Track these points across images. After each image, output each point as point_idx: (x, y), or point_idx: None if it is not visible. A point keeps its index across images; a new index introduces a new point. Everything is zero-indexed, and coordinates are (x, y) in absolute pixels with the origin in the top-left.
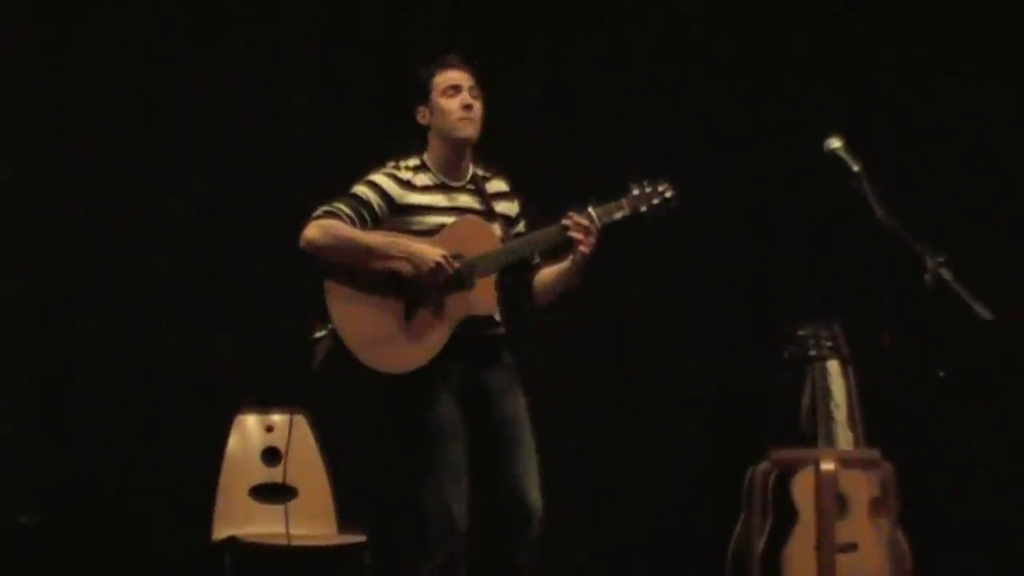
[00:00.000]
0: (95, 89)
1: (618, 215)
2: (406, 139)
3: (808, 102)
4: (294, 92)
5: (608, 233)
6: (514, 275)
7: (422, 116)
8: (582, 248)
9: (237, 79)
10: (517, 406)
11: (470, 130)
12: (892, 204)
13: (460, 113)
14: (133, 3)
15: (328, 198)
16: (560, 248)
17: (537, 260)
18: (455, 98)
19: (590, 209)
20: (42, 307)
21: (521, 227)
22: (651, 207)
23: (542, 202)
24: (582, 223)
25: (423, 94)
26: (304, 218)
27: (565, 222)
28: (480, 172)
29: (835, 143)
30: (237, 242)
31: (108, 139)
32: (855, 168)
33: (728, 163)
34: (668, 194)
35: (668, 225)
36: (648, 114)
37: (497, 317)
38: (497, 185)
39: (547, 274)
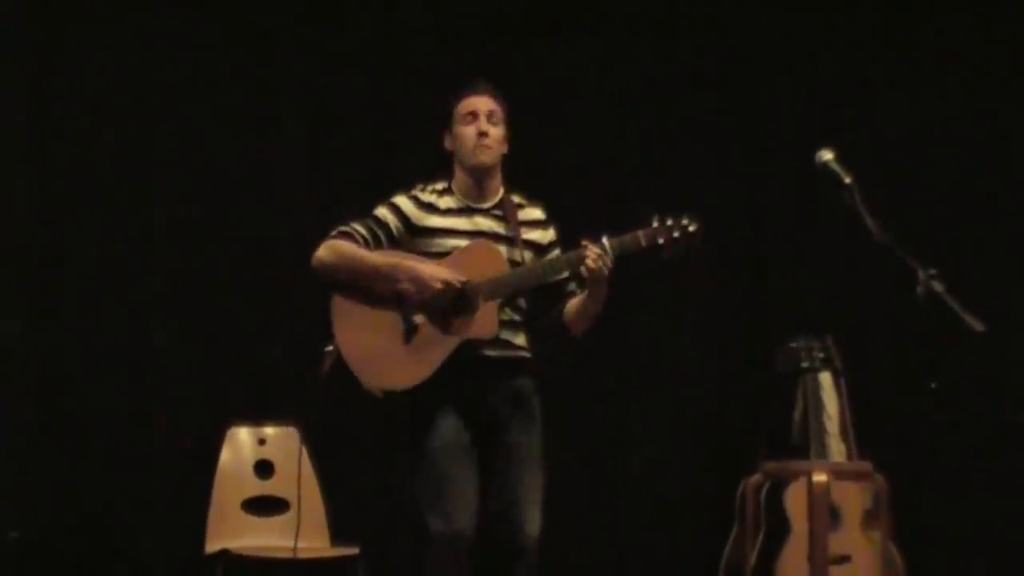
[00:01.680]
0: (94, 94)
1: (632, 246)
2: (406, 156)
3: (802, 114)
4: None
5: (624, 262)
6: (545, 303)
7: (446, 143)
8: (593, 278)
9: (238, 90)
10: (526, 433)
11: (484, 157)
12: (884, 216)
13: (475, 140)
14: (134, 7)
15: (324, 210)
16: (576, 276)
17: (572, 287)
18: (472, 125)
19: (604, 240)
20: (34, 318)
21: (553, 255)
22: (670, 240)
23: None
24: (592, 256)
25: (447, 121)
26: (299, 229)
27: (579, 251)
28: (516, 199)
29: (826, 155)
30: (231, 254)
31: (102, 150)
32: (846, 180)
33: (722, 175)
34: (692, 228)
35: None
36: (641, 127)
37: (518, 341)
38: (531, 213)
39: (574, 303)
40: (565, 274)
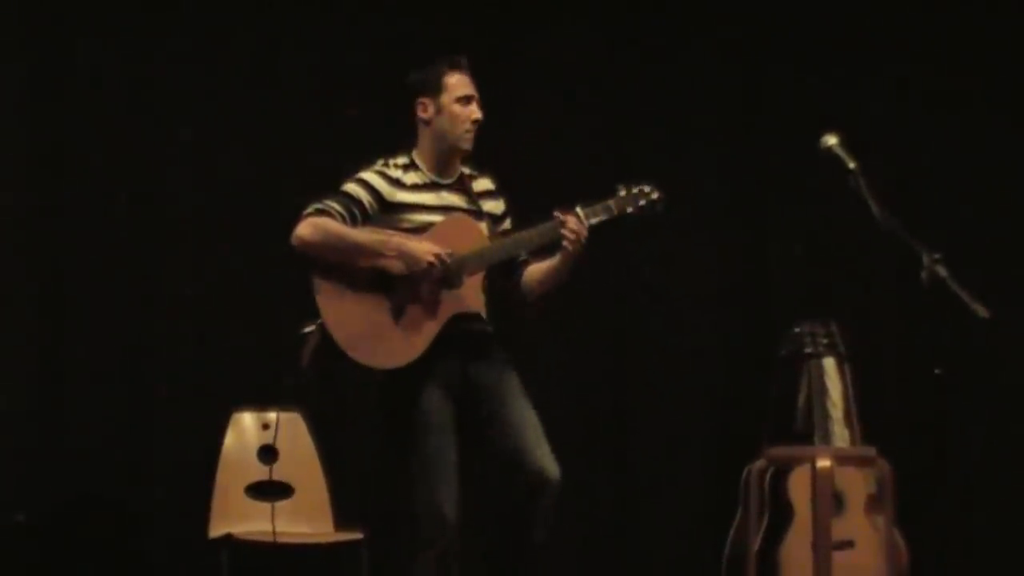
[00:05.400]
0: (94, 89)
1: (605, 216)
2: (400, 138)
3: (804, 99)
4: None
5: (595, 232)
6: (501, 273)
7: (423, 110)
8: (571, 248)
9: (232, 79)
10: (513, 389)
11: (471, 143)
12: (888, 201)
13: (469, 126)
14: (133, 4)
15: (322, 197)
16: (548, 246)
17: (524, 256)
18: (467, 108)
19: (578, 209)
20: (39, 304)
21: (507, 225)
22: (637, 208)
23: (530, 201)
24: (572, 223)
25: (431, 88)
26: (298, 217)
27: (556, 221)
28: (467, 171)
29: (831, 140)
30: (233, 240)
31: (104, 140)
32: (851, 165)
33: (724, 160)
34: (654, 196)
35: (664, 223)
36: (642, 114)
37: (484, 315)
38: (483, 184)
39: (535, 271)
40: (546, 243)
